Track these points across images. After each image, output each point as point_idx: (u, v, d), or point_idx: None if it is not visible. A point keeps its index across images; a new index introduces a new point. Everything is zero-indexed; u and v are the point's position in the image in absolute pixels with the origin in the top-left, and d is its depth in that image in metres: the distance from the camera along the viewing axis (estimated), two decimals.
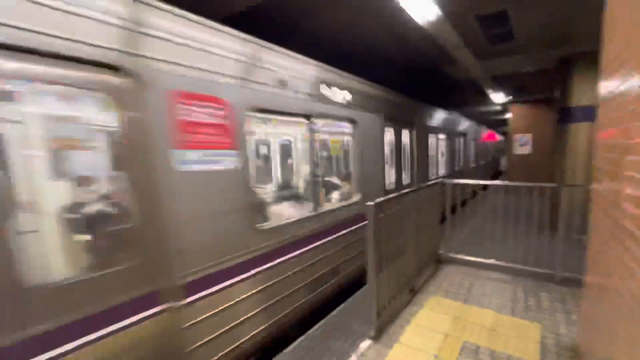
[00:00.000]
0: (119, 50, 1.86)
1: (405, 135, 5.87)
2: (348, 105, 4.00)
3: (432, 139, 7.14)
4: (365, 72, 4.67)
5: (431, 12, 3.83)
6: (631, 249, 1.42)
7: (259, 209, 3.25)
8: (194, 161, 2.25)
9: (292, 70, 3.12)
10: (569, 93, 5.36)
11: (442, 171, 8.23)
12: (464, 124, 10.33)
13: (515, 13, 3.96)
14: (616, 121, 1.81)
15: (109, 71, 1.84)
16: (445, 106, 8.53)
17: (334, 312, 3.23)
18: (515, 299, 3.34)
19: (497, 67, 6.36)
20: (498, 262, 4.09)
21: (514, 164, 10.38)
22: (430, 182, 4.05)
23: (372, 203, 2.59)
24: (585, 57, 5.23)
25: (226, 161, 2.47)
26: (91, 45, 1.75)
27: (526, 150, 10.02)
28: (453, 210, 4.98)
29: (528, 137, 9.96)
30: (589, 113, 5.04)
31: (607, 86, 2.12)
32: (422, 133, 6.48)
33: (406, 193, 3.24)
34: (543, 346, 2.56)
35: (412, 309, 3.18)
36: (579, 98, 5.29)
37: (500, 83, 7.99)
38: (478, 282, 3.78)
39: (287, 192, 4.56)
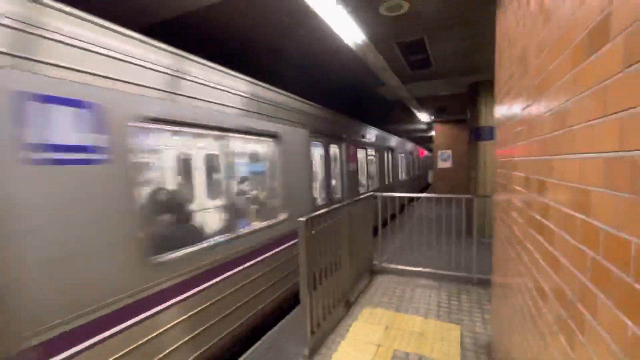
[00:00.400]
0: (344, 132, 5.89)
1: (389, 156, 9.80)
2: (375, 141, 8.14)
3: (394, 157, 10.76)
4: (303, 91, 4.80)
5: (357, 37, 4.12)
6: (518, 251, 1.64)
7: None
8: (350, 166, 6.14)
9: (369, 130, 7.63)
10: (477, 115, 6.17)
11: (402, 177, 11.82)
12: (409, 145, 13.81)
13: (431, 42, 4.46)
14: (506, 142, 2.12)
15: (341, 140, 5.81)
16: (379, 124, 9.73)
17: (268, 334, 3.12)
18: (440, 303, 3.62)
19: (419, 89, 7.04)
20: (425, 269, 4.41)
21: (439, 177, 11.47)
22: (362, 195, 4.25)
23: (302, 219, 2.60)
24: (489, 84, 6.10)
25: (354, 165, 6.42)
26: (341, 132, 5.80)
27: (448, 164, 11.17)
28: (385, 223, 5.28)
29: (449, 152, 11.14)
30: (493, 132, 5.85)
31: (499, 111, 2.48)
32: (394, 155, 10.40)
33: (338, 207, 3.34)
34: (463, 346, 2.79)
35: (346, 322, 3.23)
36: (485, 119, 6.11)
37: (423, 104, 8.84)
38: (408, 289, 4.01)
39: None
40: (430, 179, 22.44)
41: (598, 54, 0.76)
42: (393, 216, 8.53)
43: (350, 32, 3.94)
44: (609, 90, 0.71)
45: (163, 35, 2.51)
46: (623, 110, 0.65)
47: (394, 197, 4.91)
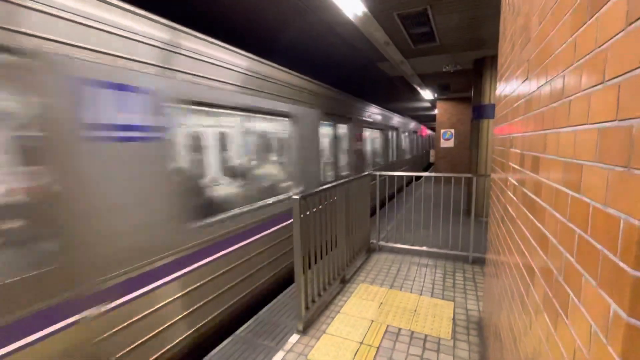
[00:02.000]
0: (401, 126, 11.03)
1: (409, 137, 12.60)
2: (410, 128, 12.38)
3: (407, 136, 12.44)
4: (305, 68, 4.67)
5: (358, 8, 3.92)
6: (511, 230, 1.61)
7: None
8: (398, 144, 10.47)
9: (409, 121, 12.61)
10: (481, 92, 5.99)
11: (415, 153, 14.55)
12: (416, 125, 15.41)
13: (434, 13, 4.25)
14: (505, 118, 2.04)
15: (396, 129, 10.38)
16: (381, 101, 9.57)
17: (265, 309, 3.18)
18: (435, 280, 3.65)
19: (422, 65, 6.81)
20: (422, 248, 4.43)
21: (441, 156, 11.35)
22: (360, 175, 4.20)
23: (297, 197, 2.57)
24: (494, 60, 5.87)
25: (400, 143, 11.02)
26: (399, 126, 10.80)
27: (450, 143, 11.01)
28: (383, 204, 5.26)
29: (452, 131, 10.95)
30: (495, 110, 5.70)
31: (499, 86, 2.37)
32: (408, 134, 12.38)
33: (335, 186, 3.30)
34: (455, 322, 2.83)
35: (341, 298, 3.28)
36: (489, 97, 5.93)
37: (426, 81, 8.59)
38: (404, 267, 4.04)
39: None
40: (432, 158, 22.31)
41: (600, 12, 0.69)
42: (392, 197, 8.51)
43: (349, 2, 3.75)
44: (608, 53, 0.65)
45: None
46: (621, 75, 0.59)
47: (393, 176, 4.86)
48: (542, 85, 1.16)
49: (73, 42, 1.78)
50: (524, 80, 1.45)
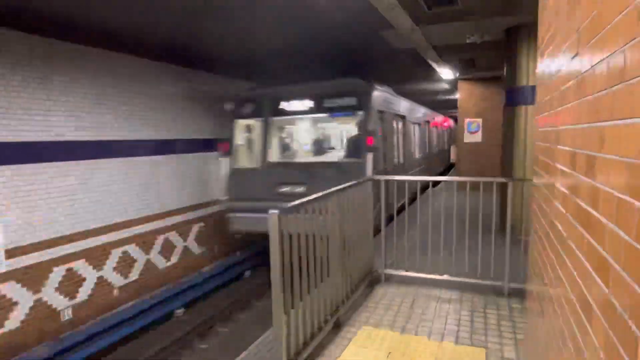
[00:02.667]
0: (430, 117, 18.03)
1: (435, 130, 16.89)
2: (434, 120, 17.47)
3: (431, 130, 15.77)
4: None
5: None
6: (560, 253, 1.64)
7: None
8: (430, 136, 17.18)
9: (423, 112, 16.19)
10: (516, 70, 6.13)
11: (445, 146, 21.17)
12: (438, 117, 19.23)
13: None
14: (549, 104, 2.09)
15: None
16: (386, 81, 9.70)
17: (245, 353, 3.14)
18: (459, 321, 3.68)
19: (438, 35, 6.93)
20: (442, 277, 4.47)
21: (464, 155, 11.55)
22: (360, 180, 4.23)
23: (275, 212, 2.56)
24: (532, 29, 6.04)
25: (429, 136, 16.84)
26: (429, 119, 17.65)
27: (477, 138, 11.22)
28: (391, 218, 5.32)
29: (478, 122, 11.17)
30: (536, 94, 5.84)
31: (541, 63, 2.44)
32: (435, 129, 15.99)
33: (326, 195, 3.30)
34: None
35: (337, 346, 3.28)
36: (527, 76, 6.07)
37: (444, 55, 8.75)
38: (419, 303, 4.07)
39: None
40: (453, 156, 22.70)
41: None
42: (401, 209, 8.56)
43: None
44: None
45: None
46: None
47: (403, 182, 4.90)
48: (597, 64, 1.19)
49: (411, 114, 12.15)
50: (574, 56, 1.50)
